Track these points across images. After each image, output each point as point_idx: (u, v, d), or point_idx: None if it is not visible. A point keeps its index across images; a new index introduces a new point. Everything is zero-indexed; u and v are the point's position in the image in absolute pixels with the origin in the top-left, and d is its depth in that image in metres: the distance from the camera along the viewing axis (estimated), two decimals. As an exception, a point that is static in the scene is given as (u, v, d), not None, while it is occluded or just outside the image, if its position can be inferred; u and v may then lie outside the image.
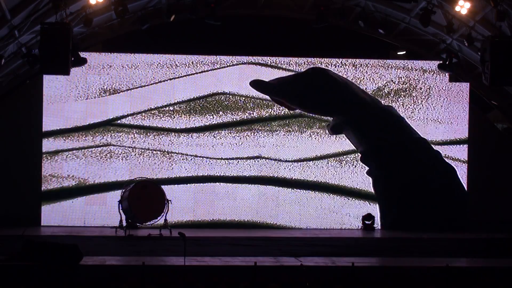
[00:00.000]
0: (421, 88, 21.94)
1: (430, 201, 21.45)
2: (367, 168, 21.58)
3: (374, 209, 21.64)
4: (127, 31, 21.05)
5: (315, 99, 21.34)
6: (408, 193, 21.48)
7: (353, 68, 21.77)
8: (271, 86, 21.25)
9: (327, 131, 21.48)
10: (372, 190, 21.63)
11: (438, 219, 21.37)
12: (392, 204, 21.52)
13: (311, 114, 21.56)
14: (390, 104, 21.69)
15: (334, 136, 21.62)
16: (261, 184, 21.49)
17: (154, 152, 21.21)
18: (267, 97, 21.45)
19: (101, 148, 21.08)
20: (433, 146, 21.80)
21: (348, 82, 21.53)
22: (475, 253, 17.89)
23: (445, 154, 21.87)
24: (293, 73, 21.49)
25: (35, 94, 20.88)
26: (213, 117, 21.41)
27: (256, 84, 21.12)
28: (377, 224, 21.58)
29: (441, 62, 21.31)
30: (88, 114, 21.05)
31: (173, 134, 21.29)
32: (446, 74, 21.86)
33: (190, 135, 21.35)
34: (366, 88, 21.72)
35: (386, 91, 21.85)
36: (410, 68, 22.00)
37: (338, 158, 21.70)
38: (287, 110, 21.52)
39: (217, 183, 21.37)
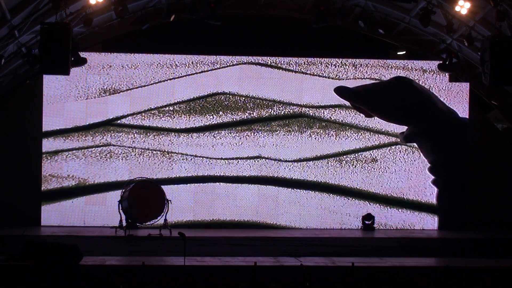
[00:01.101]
0: (421, 88, 21.95)
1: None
2: (432, 177, 21.72)
3: (374, 209, 21.64)
4: (127, 31, 21.04)
5: (395, 108, 21.62)
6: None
7: (353, 68, 21.77)
8: (355, 93, 21.51)
9: (400, 139, 21.67)
10: (368, 189, 21.71)
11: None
12: (456, 216, 21.62)
13: (311, 115, 21.57)
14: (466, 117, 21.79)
15: (334, 136, 21.64)
16: (261, 184, 21.49)
17: (154, 152, 21.21)
18: (267, 97, 21.47)
19: (101, 148, 21.08)
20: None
21: (429, 92, 21.78)
22: (475, 253, 17.91)
23: (445, 154, 21.93)
24: (377, 81, 21.68)
25: (35, 94, 20.88)
26: (213, 117, 21.41)
27: (340, 90, 21.38)
28: (377, 224, 21.60)
29: (441, 62, 21.31)
30: (88, 114, 21.05)
31: (173, 134, 21.29)
32: (446, 74, 21.86)
33: (190, 135, 21.35)
34: (366, 88, 21.82)
35: (386, 91, 21.92)
36: (410, 68, 22.00)
37: (338, 158, 21.70)
38: (287, 110, 21.54)
39: (217, 183, 21.36)
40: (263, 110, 21.54)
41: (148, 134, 21.20)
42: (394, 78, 21.72)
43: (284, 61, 21.63)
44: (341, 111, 21.68)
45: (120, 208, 19.46)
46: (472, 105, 22.16)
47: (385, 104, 21.67)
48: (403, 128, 21.76)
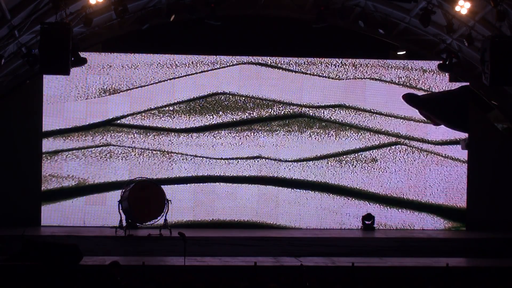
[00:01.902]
0: (421, 88, 21.94)
1: None
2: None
3: (374, 209, 21.64)
4: (127, 31, 21.03)
5: (460, 116, 21.86)
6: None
7: (353, 68, 21.77)
8: (423, 101, 21.86)
9: (460, 146, 21.85)
10: (368, 189, 21.72)
11: None
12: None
13: (311, 115, 21.58)
14: None
15: (334, 136, 21.65)
16: (261, 184, 21.49)
17: (154, 152, 21.22)
18: (267, 97, 21.48)
19: (101, 148, 21.08)
20: (433, 146, 21.89)
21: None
22: (475, 253, 17.91)
23: (445, 154, 21.91)
24: (445, 90, 21.93)
25: (35, 94, 20.89)
26: (213, 117, 21.41)
27: (409, 97, 21.73)
28: (377, 224, 21.60)
29: (441, 62, 21.30)
30: (88, 114, 21.06)
31: (173, 134, 21.29)
32: (446, 74, 21.86)
33: (190, 135, 21.35)
34: (366, 87, 21.77)
35: (386, 91, 21.92)
36: (410, 68, 22.00)
37: (338, 158, 21.70)
38: (287, 110, 21.54)
39: (217, 183, 21.37)
40: (263, 110, 21.54)
41: (148, 134, 21.20)
42: (461, 87, 21.91)
43: (284, 61, 21.63)
44: (341, 111, 21.69)
45: (120, 208, 19.46)
46: (472, 105, 22.17)
47: (450, 112, 21.90)
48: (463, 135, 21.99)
